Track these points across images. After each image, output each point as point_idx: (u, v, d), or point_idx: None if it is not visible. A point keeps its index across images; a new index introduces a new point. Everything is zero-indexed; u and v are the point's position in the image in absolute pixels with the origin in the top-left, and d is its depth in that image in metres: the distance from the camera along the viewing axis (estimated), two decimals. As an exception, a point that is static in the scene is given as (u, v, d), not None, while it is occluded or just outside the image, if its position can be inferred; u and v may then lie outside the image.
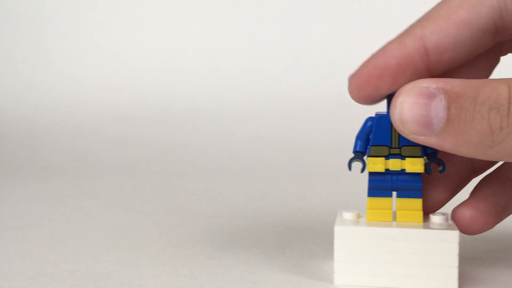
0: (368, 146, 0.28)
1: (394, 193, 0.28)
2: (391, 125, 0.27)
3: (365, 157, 0.28)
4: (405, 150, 0.27)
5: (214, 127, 0.83)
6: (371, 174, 0.28)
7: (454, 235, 0.26)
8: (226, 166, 0.67)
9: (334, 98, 0.83)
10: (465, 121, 0.23)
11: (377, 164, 0.27)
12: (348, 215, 0.28)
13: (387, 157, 0.27)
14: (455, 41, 0.25)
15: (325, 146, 0.72)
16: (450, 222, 0.28)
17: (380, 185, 0.28)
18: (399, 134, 0.27)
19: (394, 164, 0.27)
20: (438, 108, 0.24)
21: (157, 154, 0.74)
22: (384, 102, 0.27)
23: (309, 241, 0.36)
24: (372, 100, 0.27)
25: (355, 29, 0.91)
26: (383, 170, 0.27)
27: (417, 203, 0.28)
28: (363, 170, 0.28)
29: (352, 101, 0.28)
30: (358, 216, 0.28)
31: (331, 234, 0.37)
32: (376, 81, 0.26)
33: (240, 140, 0.78)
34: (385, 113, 0.27)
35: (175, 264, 0.32)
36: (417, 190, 0.28)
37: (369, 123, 0.28)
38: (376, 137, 0.27)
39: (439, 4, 0.26)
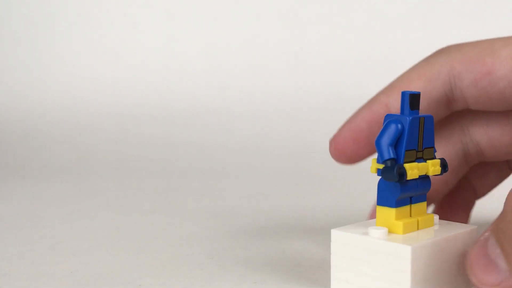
0: (397, 152, 0.25)
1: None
2: (419, 126, 0.26)
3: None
4: (426, 153, 0.26)
5: (214, 127, 0.83)
6: (403, 182, 0.25)
7: (406, 250, 0.24)
8: (226, 166, 0.67)
9: (334, 98, 0.84)
10: None
11: (414, 170, 0.25)
12: (377, 233, 0.25)
13: (415, 161, 0.26)
14: None
15: (325, 146, 0.72)
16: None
17: (409, 192, 0.26)
18: (423, 136, 0.26)
19: (423, 168, 0.26)
20: (492, 244, 0.23)
21: (157, 154, 0.74)
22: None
23: (309, 241, 0.36)
24: (353, 160, 0.30)
25: (355, 29, 0.91)
26: (417, 176, 0.26)
27: (424, 206, 0.27)
28: (403, 178, 0.25)
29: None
30: (385, 234, 0.25)
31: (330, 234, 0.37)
32: (352, 144, 0.30)
33: (240, 140, 0.78)
34: (403, 114, 0.26)
35: (175, 264, 0.32)
36: (426, 193, 0.27)
37: (397, 126, 0.25)
38: (410, 141, 0.25)
39: (401, 76, 0.30)
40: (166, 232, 0.39)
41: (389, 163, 0.25)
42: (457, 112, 0.31)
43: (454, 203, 0.34)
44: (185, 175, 0.62)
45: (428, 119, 0.26)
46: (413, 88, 0.29)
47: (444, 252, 0.25)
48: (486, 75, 0.28)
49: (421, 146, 0.26)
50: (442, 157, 0.28)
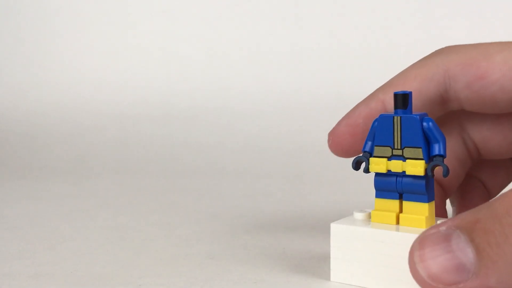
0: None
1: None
2: (393, 125, 0.27)
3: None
4: (407, 152, 0.27)
5: (214, 127, 0.83)
6: (376, 175, 0.28)
7: None
8: (226, 166, 0.67)
9: (333, 98, 0.83)
10: (499, 243, 0.21)
11: (379, 165, 0.27)
12: (358, 215, 0.28)
13: (389, 158, 0.27)
14: None
15: (325, 146, 0.72)
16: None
17: (385, 187, 0.28)
18: (401, 135, 0.27)
19: (396, 166, 0.27)
20: (460, 244, 0.22)
21: (157, 154, 0.74)
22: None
23: (309, 241, 0.36)
24: (349, 153, 0.31)
25: (355, 29, 0.91)
26: (384, 171, 0.27)
27: (422, 207, 0.27)
28: (366, 170, 0.28)
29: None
30: (368, 217, 0.28)
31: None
32: (349, 138, 0.31)
33: (240, 140, 0.78)
34: (390, 113, 0.27)
35: (175, 264, 0.32)
36: (421, 194, 0.27)
37: (375, 123, 0.28)
38: (380, 137, 0.27)
39: (398, 74, 0.31)
40: (166, 232, 0.39)
41: (362, 154, 0.28)
42: (455, 112, 0.32)
43: (471, 204, 0.34)
44: (185, 175, 0.62)
45: (408, 119, 0.27)
46: (408, 87, 0.30)
47: (375, 245, 0.26)
48: (479, 79, 0.29)
49: (398, 144, 0.27)
50: (447, 151, 0.29)
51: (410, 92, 0.27)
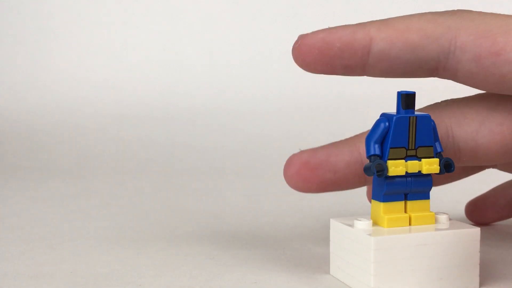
0: (383, 149, 0.27)
1: None
2: (408, 126, 0.27)
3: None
4: (420, 151, 0.27)
5: (214, 127, 0.83)
6: (388, 178, 0.27)
7: (476, 233, 0.26)
8: (226, 166, 0.67)
9: (334, 98, 0.83)
10: None
11: (398, 167, 0.26)
12: (362, 224, 0.27)
13: (404, 159, 0.27)
14: (396, 58, 0.27)
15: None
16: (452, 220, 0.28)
17: (398, 189, 0.27)
18: (416, 135, 0.27)
19: (413, 166, 0.27)
20: None
21: (157, 154, 0.74)
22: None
23: (309, 241, 0.36)
24: (311, 69, 0.28)
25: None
26: (404, 173, 0.26)
27: (426, 204, 0.27)
28: (383, 174, 0.26)
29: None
30: (371, 225, 0.27)
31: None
32: (316, 54, 0.27)
33: (240, 139, 0.78)
34: (396, 114, 0.27)
35: (175, 264, 0.32)
36: (427, 192, 0.27)
37: (384, 124, 0.26)
38: (395, 138, 0.26)
39: (401, 17, 0.28)
40: (166, 232, 0.39)
41: (372, 159, 0.26)
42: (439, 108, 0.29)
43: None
44: (185, 175, 0.62)
45: (423, 118, 0.27)
46: (406, 37, 0.27)
47: (421, 248, 0.26)
48: (493, 55, 0.26)
49: (413, 145, 0.27)
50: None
51: (414, 92, 0.27)
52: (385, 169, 0.26)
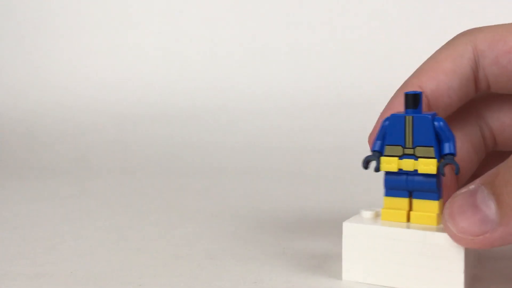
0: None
1: None
2: (404, 124, 0.27)
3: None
4: (419, 151, 0.27)
5: (214, 127, 0.83)
6: (387, 173, 0.28)
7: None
8: (226, 165, 0.67)
9: (334, 98, 0.83)
10: None
11: (390, 164, 0.27)
12: (366, 214, 0.28)
13: (401, 157, 0.27)
14: (447, 87, 0.29)
15: (325, 146, 0.72)
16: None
17: (395, 185, 0.28)
18: (413, 134, 0.27)
19: (407, 164, 0.27)
20: (484, 197, 0.24)
21: (157, 154, 0.74)
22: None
23: (309, 241, 0.36)
24: None
25: (355, 30, 0.91)
26: (396, 170, 0.27)
27: (433, 205, 0.27)
28: (377, 169, 0.28)
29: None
30: (376, 215, 0.28)
31: (331, 234, 0.37)
32: None
33: (240, 139, 0.78)
34: (401, 113, 0.27)
35: (175, 264, 0.32)
36: (432, 192, 0.27)
37: (386, 123, 0.28)
38: (391, 136, 0.27)
39: (428, 59, 0.31)
40: (166, 232, 0.39)
41: (372, 154, 0.28)
42: (473, 99, 0.32)
43: None
44: (185, 175, 0.62)
45: (421, 118, 0.27)
46: (442, 68, 0.30)
47: (392, 243, 0.27)
48: (507, 53, 0.29)
49: (410, 143, 0.27)
50: (463, 138, 0.30)
51: (421, 92, 0.27)
52: (377, 164, 0.28)
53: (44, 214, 0.45)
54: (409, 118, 0.27)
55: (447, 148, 0.27)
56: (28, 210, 0.46)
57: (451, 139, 0.27)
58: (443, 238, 0.26)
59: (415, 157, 0.27)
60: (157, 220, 0.42)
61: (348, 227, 0.28)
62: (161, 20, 0.98)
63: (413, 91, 0.27)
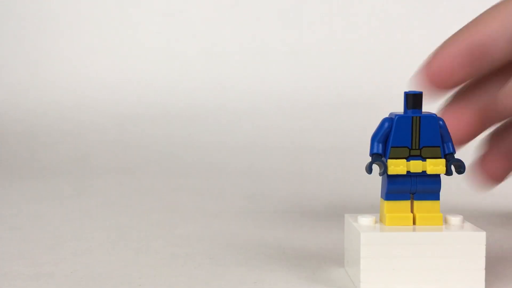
0: (386, 148, 0.27)
1: None
2: (411, 125, 0.27)
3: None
4: (425, 151, 0.27)
5: (214, 127, 0.83)
6: (390, 177, 0.27)
7: (481, 236, 0.26)
8: (226, 165, 0.67)
9: (334, 98, 0.83)
10: None
11: (399, 166, 0.26)
12: (365, 221, 0.27)
13: (407, 158, 0.27)
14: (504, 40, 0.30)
15: (325, 146, 0.72)
16: (466, 223, 0.28)
17: (400, 188, 0.27)
18: (419, 135, 0.27)
19: (416, 166, 0.26)
20: None
21: (157, 154, 0.74)
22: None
23: (309, 241, 0.36)
24: (449, 86, 0.30)
25: (355, 29, 0.91)
26: (405, 172, 0.26)
27: (436, 205, 0.27)
28: (384, 173, 0.27)
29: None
30: (375, 221, 0.27)
31: (331, 234, 0.37)
32: (450, 68, 0.29)
33: (240, 139, 0.78)
34: (402, 113, 0.27)
35: (175, 264, 0.32)
36: (436, 192, 0.27)
37: (387, 124, 0.27)
38: (397, 138, 0.27)
39: (476, 19, 0.32)
40: (166, 232, 0.39)
41: (373, 157, 0.27)
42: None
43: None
44: (185, 175, 0.62)
45: (428, 118, 0.27)
46: (496, 24, 0.30)
47: (412, 247, 0.26)
48: None
49: (417, 144, 0.27)
50: (464, 112, 0.30)
51: (421, 92, 0.27)
52: (384, 168, 0.26)
53: (44, 214, 0.44)
54: (416, 119, 0.27)
55: (450, 147, 0.27)
56: (28, 210, 0.46)
57: (451, 138, 0.27)
58: (466, 237, 0.26)
59: (421, 158, 0.27)
60: (157, 220, 0.42)
61: (366, 237, 0.26)
62: (161, 20, 0.98)
63: (414, 91, 0.27)
